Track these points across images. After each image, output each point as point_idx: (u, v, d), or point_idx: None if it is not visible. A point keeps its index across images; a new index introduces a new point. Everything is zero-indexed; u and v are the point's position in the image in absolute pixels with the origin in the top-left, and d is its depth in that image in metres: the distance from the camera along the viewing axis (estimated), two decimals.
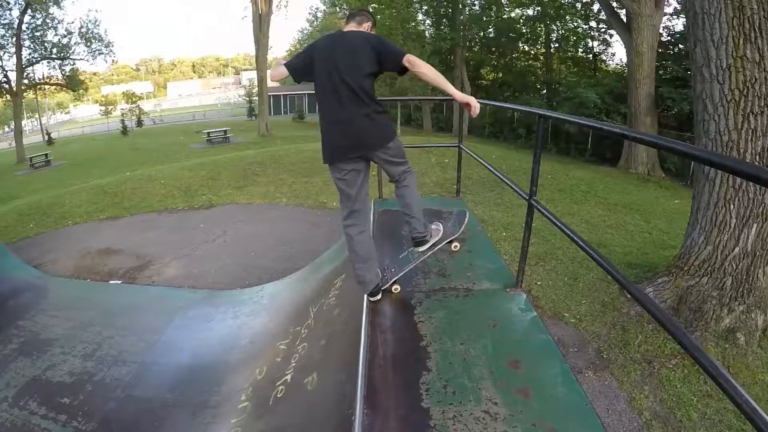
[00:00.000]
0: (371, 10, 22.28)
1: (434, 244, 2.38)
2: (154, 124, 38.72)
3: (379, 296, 2.28)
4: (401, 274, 2.37)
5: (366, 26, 2.22)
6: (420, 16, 23.85)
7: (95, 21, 25.36)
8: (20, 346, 3.68)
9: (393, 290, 2.34)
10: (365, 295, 2.26)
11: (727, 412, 2.88)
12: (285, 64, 2.20)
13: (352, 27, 2.20)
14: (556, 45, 23.26)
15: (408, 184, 2.25)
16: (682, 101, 13.27)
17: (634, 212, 7.27)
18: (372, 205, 3.36)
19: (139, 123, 35.65)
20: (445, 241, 2.44)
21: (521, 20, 23.76)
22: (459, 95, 2.06)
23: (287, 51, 51.40)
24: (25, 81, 24.14)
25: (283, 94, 39.53)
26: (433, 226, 2.41)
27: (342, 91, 2.00)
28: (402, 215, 2.36)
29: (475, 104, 2.05)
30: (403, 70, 2.02)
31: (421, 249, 2.34)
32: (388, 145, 2.10)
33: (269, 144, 18.31)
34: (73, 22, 41.97)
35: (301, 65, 2.14)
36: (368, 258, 2.21)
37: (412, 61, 1.97)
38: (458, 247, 2.67)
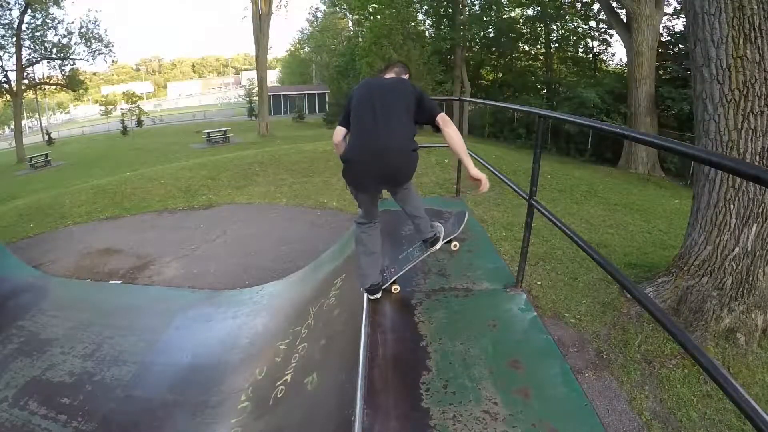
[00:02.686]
0: (371, 10, 22.40)
1: (444, 236, 2.42)
2: (154, 124, 38.75)
3: (378, 295, 2.28)
4: (401, 274, 2.37)
5: (405, 77, 2.30)
6: (420, 16, 23.85)
7: (95, 21, 25.45)
8: (20, 346, 3.67)
9: (393, 290, 2.34)
10: (365, 294, 2.27)
11: (727, 412, 2.88)
12: (339, 123, 2.25)
13: (391, 75, 2.30)
14: (556, 45, 23.25)
15: (407, 187, 2.27)
16: (682, 101, 13.27)
17: (634, 212, 7.27)
18: None
19: (139, 123, 35.68)
20: (445, 241, 2.45)
21: (521, 20, 23.76)
22: (474, 171, 2.06)
23: (287, 51, 51.39)
24: (25, 81, 24.18)
25: (283, 95, 39.58)
26: (435, 223, 2.43)
27: (385, 124, 1.99)
28: (402, 216, 2.37)
29: (486, 182, 2.06)
30: (434, 123, 2.10)
31: (436, 247, 2.36)
32: (413, 176, 2.17)
33: (269, 144, 18.31)
34: (73, 22, 42.16)
35: (347, 114, 2.16)
36: (374, 252, 2.25)
37: (445, 119, 2.07)
38: (458, 247, 2.67)
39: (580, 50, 22.69)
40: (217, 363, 3.31)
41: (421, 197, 2.40)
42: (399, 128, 2.00)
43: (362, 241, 2.26)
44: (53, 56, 24.16)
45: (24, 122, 33.42)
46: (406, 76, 2.32)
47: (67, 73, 25.47)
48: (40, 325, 3.97)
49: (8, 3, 21.51)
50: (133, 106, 35.12)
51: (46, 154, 21.09)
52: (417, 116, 2.08)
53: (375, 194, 2.26)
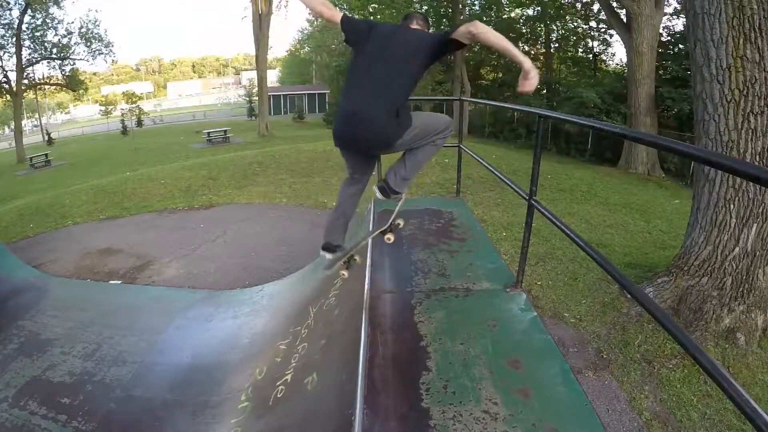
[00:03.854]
0: (371, 10, 22.41)
1: (390, 224, 2.34)
2: (154, 124, 38.77)
3: (329, 256, 2.24)
4: (357, 246, 2.37)
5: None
6: None
7: (95, 21, 25.46)
8: (20, 346, 3.68)
9: (353, 260, 2.37)
10: (326, 256, 2.26)
11: (727, 412, 2.88)
12: (343, 15, 2.04)
13: (416, 28, 2.11)
14: (556, 45, 23.26)
15: (419, 150, 2.12)
16: (682, 101, 13.27)
17: (634, 212, 7.27)
18: (372, 206, 3.36)
19: (139, 123, 35.67)
20: (378, 231, 2.35)
21: (521, 20, 23.76)
22: (526, 61, 1.72)
23: (287, 51, 51.43)
24: (25, 81, 24.20)
25: (283, 95, 39.59)
26: (404, 191, 2.26)
27: (372, 83, 1.90)
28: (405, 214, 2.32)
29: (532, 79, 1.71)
30: (460, 42, 1.84)
31: (379, 195, 2.20)
32: (396, 143, 1.98)
33: (269, 144, 18.32)
34: (73, 22, 42.24)
35: (359, 28, 2.02)
36: (341, 209, 2.24)
37: (470, 29, 1.76)
38: (392, 240, 2.54)
39: (580, 50, 22.69)
40: (217, 363, 3.31)
41: (420, 167, 2.20)
42: (383, 98, 1.88)
43: (338, 202, 2.26)
44: (53, 56, 24.18)
45: (24, 122, 33.40)
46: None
47: (67, 73, 25.49)
48: (40, 325, 3.97)
49: (8, 3, 21.55)
50: (133, 106, 35.09)
51: (46, 154, 21.11)
52: (442, 48, 1.92)
53: (362, 157, 2.16)
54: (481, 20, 22.99)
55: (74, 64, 25.49)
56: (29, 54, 23.40)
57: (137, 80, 77.10)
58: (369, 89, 1.91)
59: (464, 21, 22.34)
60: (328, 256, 2.24)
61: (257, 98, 26.17)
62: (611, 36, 20.84)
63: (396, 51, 1.92)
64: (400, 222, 2.65)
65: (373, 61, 1.93)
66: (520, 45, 23.97)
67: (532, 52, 24.70)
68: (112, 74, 72.38)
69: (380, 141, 1.96)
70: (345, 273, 2.36)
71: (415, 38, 1.97)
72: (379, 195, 2.19)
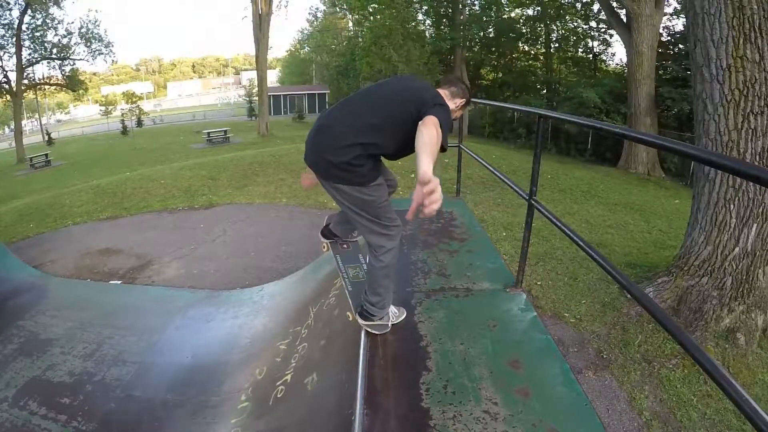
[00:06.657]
0: (371, 10, 22.38)
1: (380, 325, 1.97)
2: (154, 124, 38.77)
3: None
4: (339, 261, 2.35)
5: (457, 103, 1.89)
6: (420, 16, 23.83)
7: (95, 21, 25.46)
8: (20, 346, 3.67)
9: (323, 248, 2.51)
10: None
11: (727, 412, 2.88)
12: None
13: (444, 92, 1.87)
14: (556, 45, 23.24)
15: (375, 264, 1.83)
16: (682, 101, 13.27)
17: (634, 212, 7.27)
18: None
19: (139, 123, 35.68)
20: (379, 326, 1.98)
21: (521, 20, 23.75)
22: (423, 171, 1.28)
23: (287, 51, 51.48)
24: (25, 81, 24.19)
25: (283, 95, 39.58)
26: (392, 309, 2.04)
27: (349, 117, 1.73)
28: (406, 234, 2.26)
29: (431, 199, 1.24)
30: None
31: (360, 321, 1.96)
32: (341, 186, 1.71)
33: (269, 144, 18.32)
34: (73, 23, 42.40)
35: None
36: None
37: (427, 121, 1.48)
38: (326, 248, 2.50)
39: (580, 50, 22.68)
40: (217, 363, 3.30)
41: (391, 280, 1.90)
42: (355, 125, 1.69)
43: None
44: (53, 56, 24.18)
45: (24, 122, 33.41)
46: (461, 101, 1.90)
47: (67, 73, 25.49)
48: (40, 325, 3.97)
49: (8, 3, 21.54)
50: (133, 106, 35.11)
51: (46, 154, 21.11)
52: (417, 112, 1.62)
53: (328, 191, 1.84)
54: (481, 20, 23.15)
55: (74, 64, 25.52)
56: (29, 54, 23.39)
57: (137, 80, 77.12)
58: (342, 110, 1.79)
59: (464, 21, 22.34)
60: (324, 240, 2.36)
61: (257, 98, 26.15)
62: (611, 36, 20.84)
63: (384, 95, 1.77)
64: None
65: (354, 99, 1.82)
66: (520, 45, 23.99)
67: (532, 52, 24.74)
68: (112, 74, 72.42)
69: (331, 157, 1.68)
70: (325, 245, 2.43)
71: (412, 89, 1.74)
72: (360, 321, 1.96)
